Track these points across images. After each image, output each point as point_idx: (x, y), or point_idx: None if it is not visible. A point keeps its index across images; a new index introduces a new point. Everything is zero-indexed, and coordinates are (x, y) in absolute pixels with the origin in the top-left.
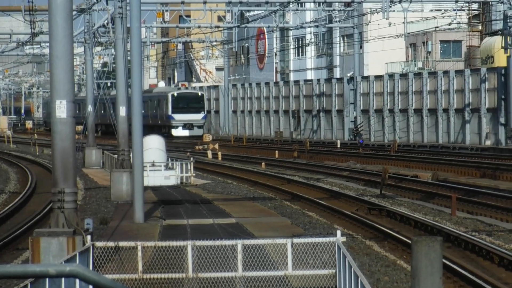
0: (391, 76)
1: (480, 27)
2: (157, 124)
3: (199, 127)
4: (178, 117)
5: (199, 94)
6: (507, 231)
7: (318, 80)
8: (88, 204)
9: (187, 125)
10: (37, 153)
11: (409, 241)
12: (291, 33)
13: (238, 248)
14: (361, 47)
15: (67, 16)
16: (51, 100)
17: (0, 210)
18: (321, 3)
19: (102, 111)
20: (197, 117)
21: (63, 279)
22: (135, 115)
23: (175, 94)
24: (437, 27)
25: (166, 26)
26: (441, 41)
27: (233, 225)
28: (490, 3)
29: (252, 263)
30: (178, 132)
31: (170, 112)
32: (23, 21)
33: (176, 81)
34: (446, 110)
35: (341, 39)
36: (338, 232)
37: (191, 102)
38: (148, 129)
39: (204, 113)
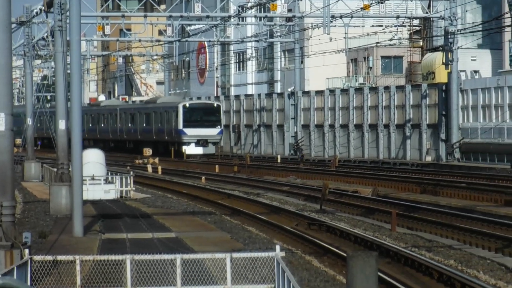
0: (332, 91)
1: (421, 43)
2: (163, 140)
3: (215, 143)
4: (191, 132)
5: (215, 105)
6: (446, 247)
7: (259, 95)
8: (27, 218)
9: (201, 142)
10: None
11: None
12: (232, 47)
13: (177, 262)
14: (302, 62)
15: (5, 28)
16: None
17: None
18: (262, 18)
19: (41, 124)
20: (212, 132)
21: None
22: (74, 129)
23: (187, 105)
24: (378, 42)
25: (107, 40)
26: (382, 57)
27: (173, 240)
28: (431, 19)
29: (191, 277)
30: (190, 149)
31: (181, 126)
32: None
33: (116, 94)
34: (386, 126)
35: (282, 54)
36: (277, 247)
37: (206, 115)
38: (153, 146)
39: (220, 127)
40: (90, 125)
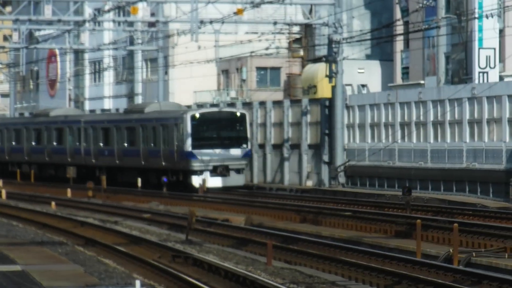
0: (200, 106)
1: (301, 53)
2: (160, 167)
3: (238, 171)
4: (203, 154)
5: (238, 114)
6: (329, 283)
7: (117, 109)
8: None
9: (219, 169)
10: None
11: None
12: (87, 56)
13: None
14: (166, 73)
15: None
16: None
17: None
18: (121, 23)
19: None
20: (234, 153)
21: None
22: None
23: (197, 115)
24: (253, 52)
25: None
26: (258, 68)
27: (18, 273)
28: (313, 26)
29: None
30: (204, 180)
31: (188, 147)
32: None
33: None
34: (262, 146)
35: (144, 64)
36: (137, 282)
37: (225, 129)
38: (142, 175)
39: (246, 147)
40: (34, 143)
